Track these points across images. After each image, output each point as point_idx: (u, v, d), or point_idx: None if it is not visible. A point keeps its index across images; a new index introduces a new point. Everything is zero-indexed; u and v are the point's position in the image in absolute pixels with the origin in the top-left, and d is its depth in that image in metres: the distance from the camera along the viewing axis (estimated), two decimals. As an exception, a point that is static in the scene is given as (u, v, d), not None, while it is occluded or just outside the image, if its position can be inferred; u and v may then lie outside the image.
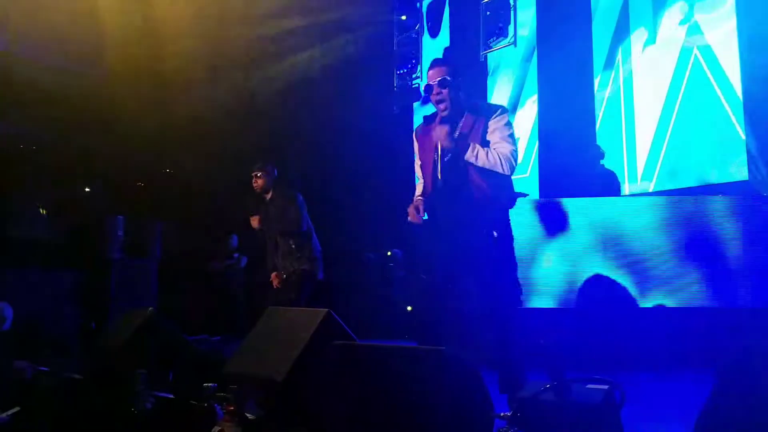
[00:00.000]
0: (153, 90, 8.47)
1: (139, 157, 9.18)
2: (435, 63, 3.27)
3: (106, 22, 7.53)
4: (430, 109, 3.47)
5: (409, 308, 7.87)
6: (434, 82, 3.18)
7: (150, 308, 4.23)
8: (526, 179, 7.61)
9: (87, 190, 9.50)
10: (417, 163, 3.52)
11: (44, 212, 7.77)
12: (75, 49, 8.06)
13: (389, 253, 8.29)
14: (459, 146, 3.11)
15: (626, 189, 6.72)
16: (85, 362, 4.42)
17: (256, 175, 4.91)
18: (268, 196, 4.95)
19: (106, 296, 7.30)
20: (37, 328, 4.96)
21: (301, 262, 4.81)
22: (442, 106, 3.20)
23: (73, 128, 8.37)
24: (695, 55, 6.36)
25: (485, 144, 3.12)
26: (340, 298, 6.88)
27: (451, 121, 3.19)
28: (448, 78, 3.16)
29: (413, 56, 8.44)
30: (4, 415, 3.51)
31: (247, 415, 2.89)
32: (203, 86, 8.32)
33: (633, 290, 4.95)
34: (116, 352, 3.97)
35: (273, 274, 4.86)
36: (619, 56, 7.13)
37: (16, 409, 3.60)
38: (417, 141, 3.48)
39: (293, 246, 4.81)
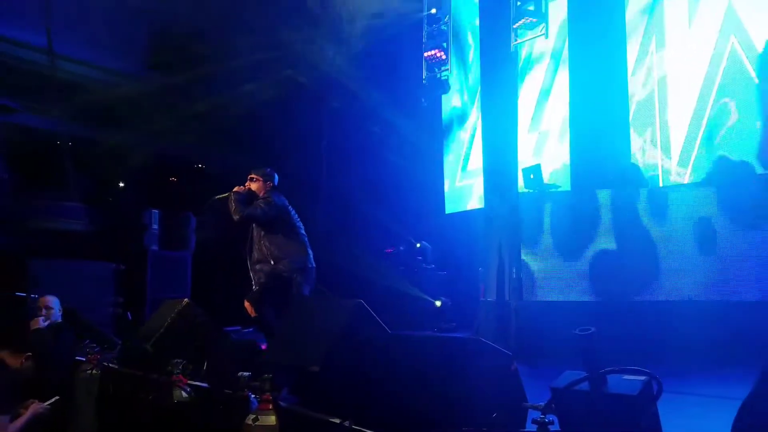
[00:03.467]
0: (186, 86, 8.58)
1: (172, 152, 9.35)
2: None
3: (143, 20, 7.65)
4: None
5: (437, 303, 7.86)
6: None
7: (185, 299, 4.31)
8: (558, 171, 7.52)
9: (122, 185, 9.71)
10: None
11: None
12: (113, 45, 8.21)
13: (418, 245, 8.29)
14: None
15: (660, 180, 6.60)
16: (122, 352, 4.52)
17: (251, 177, 4.94)
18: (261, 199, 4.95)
19: (142, 287, 7.49)
20: (78, 319, 5.09)
21: (284, 262, 4.74)
22: None
23: (108, 124, 8.55)
24: (732, 42, 6.20)
25: None
26: (367, 291, 6.90)
27: None
28: None
29: (443, 48, 8.38)
30: (45, 404, 3.64)
31: (281, 403, 2.93)
32: (238, 81, 8.41)
33: (670, 282, 4.87)
34: (153, 342, 4.05)
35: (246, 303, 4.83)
36: (653, 44, 6.99)
37: (55, 398, 3.72)
38: None
39: (267, 253, 4.77)
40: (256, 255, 4.86)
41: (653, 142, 6.84)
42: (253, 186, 4.92)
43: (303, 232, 4.94)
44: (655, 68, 6.94)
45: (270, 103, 8.59)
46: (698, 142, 6.39)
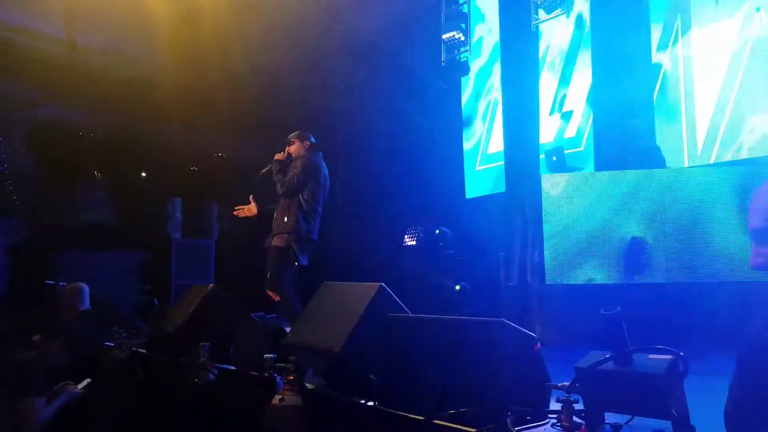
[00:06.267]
0: (205, 78, 8.63)
1: (193, 142, 9.42)
2: None
3: (162, 11, 7.68)
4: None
5: (457, 287, 7.84)
6: None
7: (211, 284, 4.37)
8: (581, 153, 7.43)
9: (143, 174, 9.83)
10: None
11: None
12: (133, 37, 8.27)
13: (437, 231, 8.25)
14: None
15: (686, 160, 6.49)
16: (150, 337, 4.61)
17: (289, 141, 5.00)
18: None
19: (167, 274, 7.62)
20: (107, 306, 5.21)
21: (281, 234, 4.75)
22: None
23: (130, 115, 8.63)
24: (761, 17, 6.03)
25: None
26: (387, 277, 6.90)
27: None
28: None
29: (462, 30, 8.30)
30: (78, 388, 3.73)
31: (307, 384, 2.97)
32: (254, 69, 8.42)
33: (696, 263, 4.81)
34: (180, 327, 4.12)
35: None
36: (678, 20, 6.83)
37: (88, 380, 3.81)
38: None
39: (284, 219, 4.78)
40: (277, 219, 4.87)
41: (678, 122, 6.71)
42: (292, 149, 4.97)
43: (321, 201, 4.90)
44: (680, 46, 6.80)
45: (285, 91, 8.61)
46: (725, 121, 6.25)
